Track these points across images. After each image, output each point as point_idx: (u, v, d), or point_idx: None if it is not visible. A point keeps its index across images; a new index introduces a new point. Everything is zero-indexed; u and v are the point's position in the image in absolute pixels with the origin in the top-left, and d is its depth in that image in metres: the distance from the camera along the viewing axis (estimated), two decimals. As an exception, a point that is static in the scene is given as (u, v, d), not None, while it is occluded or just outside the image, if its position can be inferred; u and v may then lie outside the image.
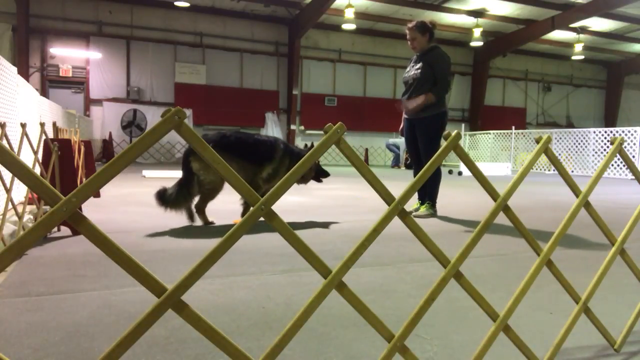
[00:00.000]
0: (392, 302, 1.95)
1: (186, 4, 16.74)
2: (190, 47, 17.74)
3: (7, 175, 2.98)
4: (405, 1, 16.53)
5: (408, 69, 4.58)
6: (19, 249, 0.72)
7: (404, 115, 4.63)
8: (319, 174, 4.26)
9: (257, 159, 3.77)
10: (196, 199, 3.71)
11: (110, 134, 15.91)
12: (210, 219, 3.77)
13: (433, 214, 4.45)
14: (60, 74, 16.12)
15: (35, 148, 3.08)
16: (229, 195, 4.14)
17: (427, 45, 4.42)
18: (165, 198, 3.53)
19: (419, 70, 4.37)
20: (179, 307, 0.84)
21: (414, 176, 4.48)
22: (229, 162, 3.47)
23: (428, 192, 4.46)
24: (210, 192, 3.67)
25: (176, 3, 16.67)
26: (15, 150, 2.99)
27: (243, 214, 3.88)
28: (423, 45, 4.41)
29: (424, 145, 4.40)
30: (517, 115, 22.82)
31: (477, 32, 18.51)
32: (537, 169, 15.68)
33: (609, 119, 24.63)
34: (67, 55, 16.07)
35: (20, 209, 3.01)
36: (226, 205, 4.54)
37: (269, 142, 3.85)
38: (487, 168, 13.60)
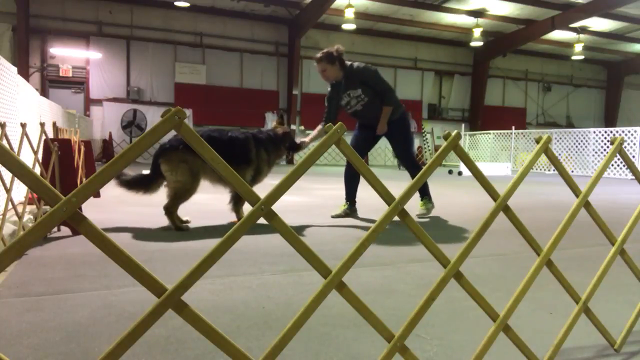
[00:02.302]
0: (392, 302, 1.95)
1: (186, 4, 16.73)
2: (190, 47, 17.74)
3: (7, 175, 2.98)
4: (405, 1, 16.53)
5: (346, 99, 4.36)
6: (19, 249, 0.72)
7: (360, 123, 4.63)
8: (292, 147, 4.20)
9: (233, 161, 3.62)
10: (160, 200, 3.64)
11: (110, 134, 15.90)
12: (185, 218, 3.67)
13: (432, 206, 4.62)
14: (60, 74, 16.13)
15: (35, 148, 3.08)
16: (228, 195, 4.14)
17: (340, 73, 4.26)
18: (125, 180, 3.61)
19: (362, 95, 4.28)
20: (179, 307, 0.84)
21: (345, 180, 4.52)
22: (201, 165, 3.44)
23: (420, 190, 4.60)
24: (179, 193, 3.52)
25: (176, 3, 16.66)
26: (15, 150, 2.99)
27: (238, 217, 3.85)
28: (336, 74, 4.26)
29: (401, 145, 4.53)
30: (517, 115, 22.81)
31: (477, 32, 18.50)
32: (537, 169, 15.67)
33: (609, 119, 24.61)
34: (67, 55, 16.07)
35: (20, 209, 3.01)
36: (225, 205, 4.53)
37: (241, 141, 3.77)
38: (487, 168, 13.60)
